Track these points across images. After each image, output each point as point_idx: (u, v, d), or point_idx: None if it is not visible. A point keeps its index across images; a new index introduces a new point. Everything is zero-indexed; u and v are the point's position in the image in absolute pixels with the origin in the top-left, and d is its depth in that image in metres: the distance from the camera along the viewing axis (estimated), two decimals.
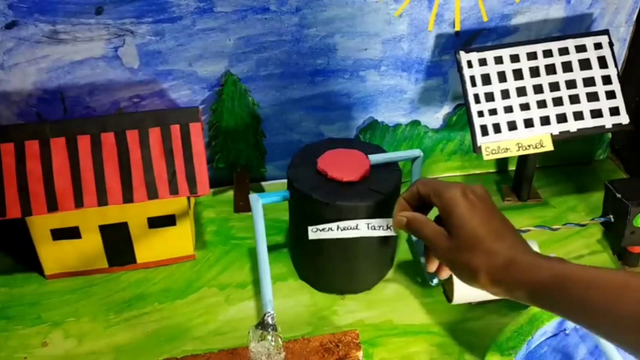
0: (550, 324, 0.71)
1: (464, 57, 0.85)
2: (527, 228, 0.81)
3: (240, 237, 0.89)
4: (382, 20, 0.88)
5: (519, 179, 0.96)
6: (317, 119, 0.96)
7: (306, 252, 0.80)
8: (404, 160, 0.80)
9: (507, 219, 0.57)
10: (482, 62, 0.85)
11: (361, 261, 0.77)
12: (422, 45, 0.91)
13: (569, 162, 1.04)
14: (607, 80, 0.87)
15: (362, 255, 0.77)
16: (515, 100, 0.85)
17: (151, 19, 0.82)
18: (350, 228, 0.71)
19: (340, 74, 0.92)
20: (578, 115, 0.86)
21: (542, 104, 0.86)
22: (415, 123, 0.98)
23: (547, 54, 0.86)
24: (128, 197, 0.76)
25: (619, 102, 0.86)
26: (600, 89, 0.86)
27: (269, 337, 0.61)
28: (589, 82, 0.87)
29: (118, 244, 0.81)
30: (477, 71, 0.85)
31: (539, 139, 0.85)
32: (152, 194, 0.77)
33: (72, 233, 0.79)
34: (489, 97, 0.85)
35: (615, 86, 0.87)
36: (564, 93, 0.86)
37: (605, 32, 0.87)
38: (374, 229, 0.71)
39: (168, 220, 0.81)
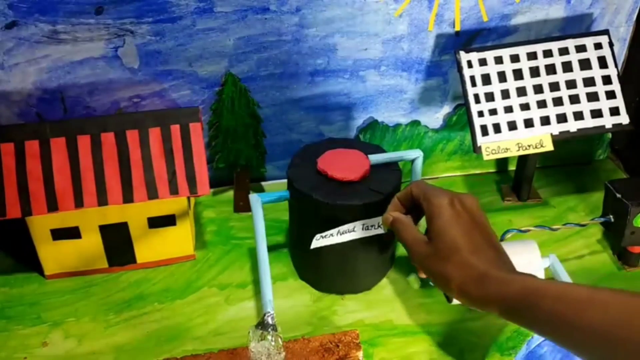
0: None
1: (464, 57, 0.85)
2: (527, 228, 0.81)
3: (240, 237, 0.89)
4: (382, 20, 0.88)
5: (519, 179, 0.96)
6: (317, 119, 0.96)
7: (306, 252, 0.80)
8: (404, 161, 0.80)
9: (492, 233, 0.57)
10: (482, 62, 0.85)
11: (361, 261, 0.78)
12: (422, 45, 0.91)
13: (569, 162, 1.04)
14: (607, 80, 0.87)
15: (362, 255, 0.77)
16: (515, 100, 0.85)
17: (151, 19, 0.82)
18: (348, 231, 0.71)
19: (340, 74, 0.92)
20: (578, 115, 0.86)
21: (542, 104, 0.86)
22: (415, 123, 0.98)
23: (547, 54, 0.86)
24: (128, 197, 0.76)
25: (619, 102, 0.86)
26: (600, 89, 0.86)
27: (269, 337, 0.61)
28: (589, 82, 0.87)
29: (118, 244, 0.81)
30: (477, 71, 0.85)
31: (539, 139, 0.85)
32: (152, 194, 0.77)
33: (72, 233, 0.79)
34: (489, 97, 0.85)
35: (615, 86, 0.87)
36: (564, 93, 0.86)
37: (605, 32, 0.87)
38: (368, 228, 0.71)
39: (168, 220, 0.81)
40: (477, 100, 0.85)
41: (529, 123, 0.86)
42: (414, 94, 0.96)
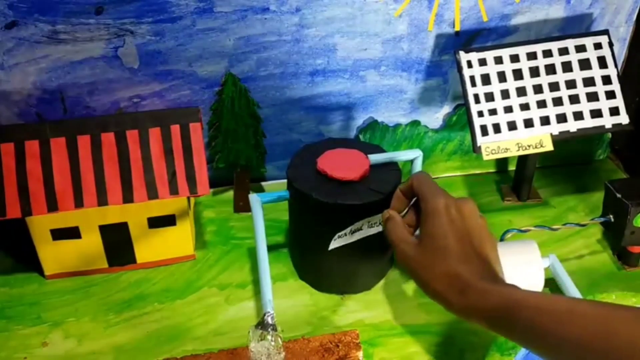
0: None
1: (463, 57, 0.85)
2: (527, 228, 0.81)
3: (240, 237, 0.89)
4: (382, 20, 0.88)
5: (519, 179, 0.96)
6: (317, 119, 0.96)
7: (306, 252, 0.80)
8: (403, 160, 0.80)
9: (485, 242, 0.56)
10: (482, 62, 0.85)
11: (361, 261, 0.78)
12: (422, 45, 0.91)
13: (569, 162, 1.04)
14: (607, 80, 0.87)
15: (362, 255, 0.77)
16: (515, 100, 0.85)
17: (151, 19, 0.82)
18: (358, 230, 0.71)
19: (340, 74, 0.92)
20: (578, 115, 0.86)
21: (542, 104, 0.86)
22: (415, 123, 0.98)
23: (547, 54, 0.86)
24: (128, 197, 0.76)
25: (619, 102, 0.86)
26: (600, 89, 0.86)
27: (269, 337, 0.61)
28: (589, 82, 0.87)
29: (118, 244, 0.81)
30: (477, 71, 0.85)
31: (539, 139, 0.85)
32: (152, 194, 0.77)
33: (72, 233, 0.79)
34: (489, 97, 0.85)
35: (615, 86, 0.87)
36: (564, 93, 0.86)
37: (605, 32, 0.87)
38: (372, 226, 0.71)
39: (168, 220, 0.81)
40: (477, 100, 0.85)
41: (528, 123, 0.86)
42: (414, 94, 0.96)
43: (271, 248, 0.84)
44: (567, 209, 0.96)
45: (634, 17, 0.95)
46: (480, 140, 0.85)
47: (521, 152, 0.85)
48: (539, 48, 0.86)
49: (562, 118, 0.86)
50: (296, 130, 0.96)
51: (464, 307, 0.52)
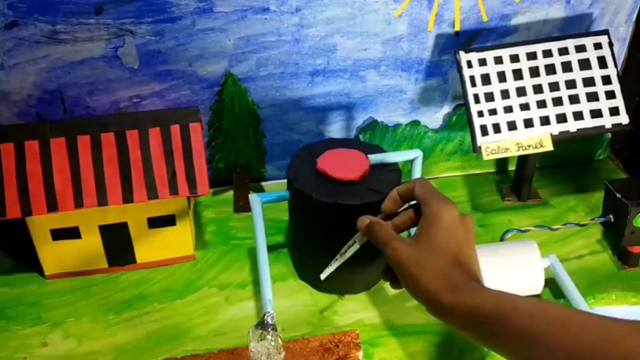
0: None
1: (463, 57, 0.85)
2: (527, 228, 0.81)
3: (240, 237, 0.89)
4: (382, 20, 0.88)
5: (519, 179, 0.96)
6: (317, 119, 0.96)
7: (306, 252, 0.80)
8: (403, 161, 0.80)
9: (475, 261, 0.56)
10: (482, 62, 0.85)
11: (361, 261, 0.77)
12: (422, 45, 0.91)
13: (569, 162, 1.04)
14: (606, 80, 0.87)
15: (362, 255, 0.77)
16: (515, 100, 0.85)
17: (151, 19, 0.82)
18: (349, 247, 0.69)
19: (340, 74, 0.92)
20: (578, 115, 0.86)
21: (542, 104, 0.86)
22: (415, 123, 0.98)
23: (547, 54, 0.86)
24: (128, 197, 0.76)
25: (619, 102, 0.86)
26: (600, 89, 0.86)
27: (269, 337, 0.61)
28: (589, 82, 0.87)
29: (118, 244, 0.81)
30: (477, 71, 0.85)
31: (538, 139, 0.85)
32: (152, 194, 0.77)
33: (72, 233, 0.79)
34: (489, 97, 0.85)
35: (615, 86, 0.87)
36: (564, 93, 0.86)
37: (605, 32, 0.87)
38: (351, 245, 0.70)
39: (168, 220, 0.81)
40: (477, 100, 0.85)
41: (528, 123, 0.86)
42: (414, 94, 0.96)
43: (271, 248, 0.84)
44: (567, 209, 0.96)
45: (634, 17, 0.95)
46: (480, 140, 0.85)
47: (521, 152, 0.85)
48: (539, 48, 0.86)
49: (562, 118, 0.86)
50: (296, 130, 0.96)
51: (454, 304, 0.51)
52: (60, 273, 0.82)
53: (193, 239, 0.87)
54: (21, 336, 0.75)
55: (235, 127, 0.92)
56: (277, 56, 0.88)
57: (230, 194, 0.97)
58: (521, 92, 0.86)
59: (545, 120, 0.86)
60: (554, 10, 0.92)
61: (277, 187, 0.97)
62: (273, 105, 0.93)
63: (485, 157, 0.84)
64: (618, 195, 0.80)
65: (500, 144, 0.85)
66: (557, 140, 0.86)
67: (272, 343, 0.61)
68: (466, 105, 0.85)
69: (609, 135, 1.04)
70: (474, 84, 0.85)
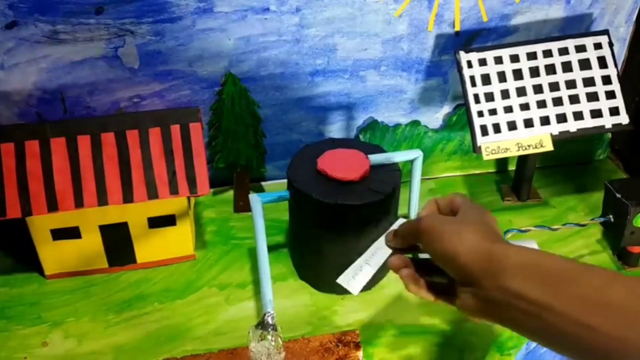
0: None
1: (463, 57, 0.85)
2: (527, 228, 0.81)
3: (240, 237, 0.89)
4: (382, 20, 0.88)
5: (519, 179, 0.96)
6: (317, 119, 0.96)
7: (306, 252, 0.80)
8: (403, 160, 0.80)
9: None
10: (482, 62, 0.85)
11: None
12: (422, 45, 0.91)
13: (569, 162, 1.04)
14: (607, 80, 0.87)
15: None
16: (515, 100, 0.85)
17: (151, 19, 0.82)
18: (378, 249, 0.65)
19: (340, 74, 0.92)
20: (578, 115, 0.86)
21: (542, 104, 0.86)
22: (415, 123, 0.98)
23: (547, 54, 0.86)
24: (128, 197, 0.76)
25: (619, 102, 0.86)
26: (600, 89, 0.86)
27: (269, 337, 0.61)
28: (589, 82, 0.87)
29: (118, 244, 0.81)
30: (477, 71, 0.85)
31: (538, 139, 0.85)
32: (152, 194, 0.77)
33: (72, 233, 0.79)
34: (489, 97, 0.85)
35: (615, 86, 0.87)
36: (564, 93, 0.86)
37: (605, 32, 0.87)
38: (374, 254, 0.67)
39: (168, 220, 0.81)
40: (477, 100, 0.85)
41: (528, 123, 0.86)
42: (414, 94, 0.96)
43: (271, 248, 0.84)
44: (567, 209, 0.96)
45: (634, 17, 0.95)
46: (480, 140, 0.85)
47: (521, 152, 0.85)
48: (539, 48, 0.86)
49: (562, 118, 0.86)
50: (296, 130, 0.96)
51: (506, 251, 0.47)
52: (60, 273, 0.82)
53: (193, 239, 0.87)
54: (21, 336, 0.75)
55: (235, 127, 0.92)
56: (277, 56, 0.89)
57: (230, 194, 0.97)
58: (521, 92, 0.86)
59: (545, 120, 0.86)
60: (554, 10, 0.92)
61: (277, 187, 0.97)
62: (273, 105, 0.93)
63: (485, 157, 0.84)
64: (618, 195, 0.80)
65: (500, 144, 0.85)
66: (557, 140, 0.86)
67: (272, 343, 0.61)
68: (466, 105, 0.85)
69: (609, 135, 1.04)
70: (474, 84, 0.85)
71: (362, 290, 0.80)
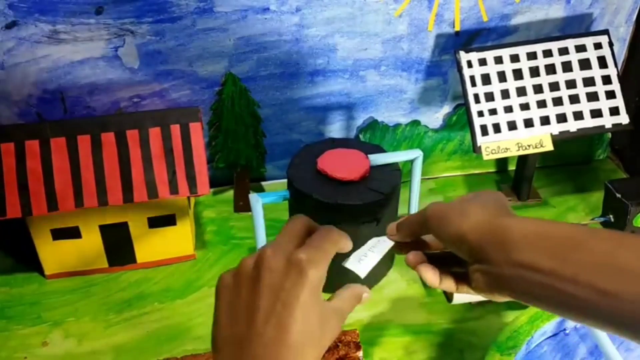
0: (550, 323, 0.71)
1: (463, 57, 0.85)
2: None
3: (240, 237, 0.89)
4: (382, 20, 0.88)
5: (519, 179, 0.96)
6: (317, 119, 0.96)
7: None
8: (403, 161, 0.80)
9: None
10: (482, 62, 0.86)
11: None
12: (422, 45, 0.91)
13: (569, 162, 1.04)
14: (607, 80, 0.87)
15: None
16: (515, 100, 0.85)
17: (151, 19, 0.82)
18: (380, 241, 0.66)
19: (340, 74, 0.92)
20: (578, 115, 0.86)
21: (542, 104, 0.86)
22: (415, 123, 0.98)
23: (547, 54, 0.86)
24: (128, 197, 0.76)
25: (619, 102, 0.86)
26: (600, 88, 0.87)
27: None
28: (589, 82, 0.87)
29: (118, 244, 0.81)
30: (477, 71, 0.85)
31: (538, 139, 0.85)
32: (152, 193, 0.77)
33: (72, 233, 0.79)
34: (489, 97, 0.85)
35: (615, 86, 0.87)
36: (564, 93, 0.86)
37: (605, 32, 0.87)
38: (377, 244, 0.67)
39: (168, 220, 0.81)
40: (477, 100, 0.85)
41: (528, 123, 0.86)
42: (414, 94, 0.96)
43: None
44: (567, 209, 0.96)
45: (634, 17, 0.95)
46: (480, 140, 0.85)
47: (521, 152, 0.85)
48: (539, 48, 0.86)
49: (562, 118, 0.86)
50: (296, 130, 0.96)
51: (517, 223, 0.47)
52: (60, 273, 0.82)
53: (193, 238, 0.87)
54: (21, 336, 0.75)
55: (235, 127, 0.92)
56: (277, 56, 0.89)
57: (230, 193, 0.97)
58: (521, 92, 0.86)
59: (545, 120, 0.86)
60: (554, 10, 0.92)
61: (277, 187, 0.97)
62: (273, 105, 0.93)
63: (485, 157, 0.84)
64: (618, 195, 0.80)
65: (500, 144, 0.85)
66: (557, 140, 0.86)
67: None
68: (466, 105, 0.85)
69: (609, 135, 1.04)
70: (474, 84, 0.85)
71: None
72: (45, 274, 0.82)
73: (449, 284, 0.55)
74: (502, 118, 0.85)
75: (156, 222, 0.81)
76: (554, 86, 0.86)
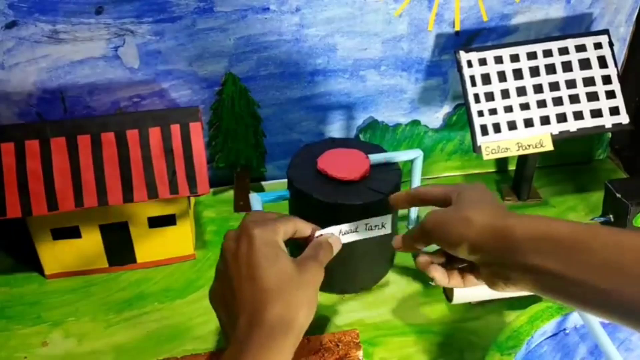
0: (550, 323, 0.71)
1: (463, 56, 0.85)
2: None
3: None
4: (382, 20, 0.88)
5: (519, 178, 0.96)
6: (317, 119, 0.96)
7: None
8: (404, 160, 0.80)
9: None
10: (482, 61, 0.86)
11: (361, 261, 0.78)
12: (422, 45, 0.91)
13: (569, 162, 1.04)
14: (607, 80, 0.87)
15: (362, 255, 0.77)
16: (515, 100, 0.85)
17: (151, 18, 0.82)
18: (350, 231, 0.70)
19: (340, 74, 0.92)
20: (578, 115, 0.86)
21: (542, 104, 0.86)
22: (415, 123, 0.98)
23: (547, 53, 0.86)
24: (128, 197, 0.76)
25: (619, 101, 0.86)
26: (600, 88, 0.87)
27: None
28: (589, 81, 0.87)
29: (118, 244, 0.81)
30: (477, 71, 0.85)
31: (538, 139, 0.85)
32: (152, 193, 0.77)
33: (72, 233, 0.79)
34: (489, 96, 0.85)
35: (615, 86, 0.87)
36: (564, 93, 0.86)
37: (605, 32, 0.87)
38: (371, 229, 0.70)
39: (168, 220, 0.81)
40: (477, 100, 0.85)
41: (528, 123, 0.86)
42: (414, 94, 0.96)
43: None
44: (567, 209, 0.96)
45: (634, 17, 0.95)
46: (480, 139, 0.85)
47: (521, 152, 0.85)
48: (539, 48, 0.86)
49: (562, 118, 0.86)
50: (296, 130, 0.96)
51: (518, 225, 0.48)
52: (60, 273, 0.82)
53: (193, 238, 0.87)
54: (21, 336, 0.75)
55: (235, 126, 0.92)
56: (277, 56, 0.89)
57: (230, 193, 0.97)
58: (521, 91, 0.86)
59: (545, 120, 0.86)
60: (554, 10, 0.92)
61: (277, 187, 0.97)
62: (273, 105, 0.93)
63: (485, 157, 0.84)
64: (618, 195, 0.80)
65: (501, 144, 0.85)
66: (557, 140, 0.86)
67: None
68: (466, 104, 0.85)
69: (609, 135, 1.04)
70: (474, 84, 0.85)
71: (361, 290, 0.80)
72: (45, 274, 0.82)
73: (456, 281, 0.58)
74: (502, 118, 0.85)
75: (156, 222, 0.81)
76: (554, 86, 0.86)
